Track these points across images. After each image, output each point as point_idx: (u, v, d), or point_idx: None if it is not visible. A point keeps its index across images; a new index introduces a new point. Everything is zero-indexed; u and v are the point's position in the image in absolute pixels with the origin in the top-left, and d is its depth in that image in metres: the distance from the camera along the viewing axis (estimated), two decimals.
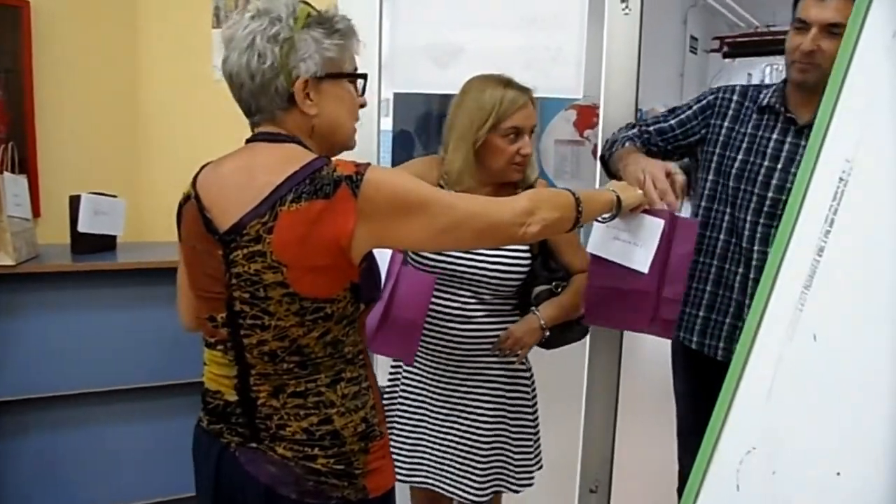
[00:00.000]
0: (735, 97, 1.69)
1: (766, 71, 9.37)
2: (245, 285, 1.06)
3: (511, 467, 1.72)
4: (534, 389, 1.78)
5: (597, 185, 1.89)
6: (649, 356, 3.21)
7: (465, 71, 2.09)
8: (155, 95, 2.39)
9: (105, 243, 1.99)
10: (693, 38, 7.80)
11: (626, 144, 1.68)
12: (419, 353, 1.67)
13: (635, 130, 1.74)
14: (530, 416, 1.76)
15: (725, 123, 1.69)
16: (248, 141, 1.14)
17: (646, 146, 1.71)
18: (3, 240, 1.69)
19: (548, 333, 1.65)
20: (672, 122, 1.75)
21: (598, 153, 1.85)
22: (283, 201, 1.02)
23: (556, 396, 2.15)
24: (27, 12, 2.08)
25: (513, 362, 1.70)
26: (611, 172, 1.68)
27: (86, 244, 1.93)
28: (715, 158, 1.69)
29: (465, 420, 1.69)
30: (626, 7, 1.93)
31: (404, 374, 1.75)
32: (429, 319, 1.60)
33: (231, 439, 1.13)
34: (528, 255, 1.64)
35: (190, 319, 1.27)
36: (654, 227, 1.37)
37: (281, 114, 1.10)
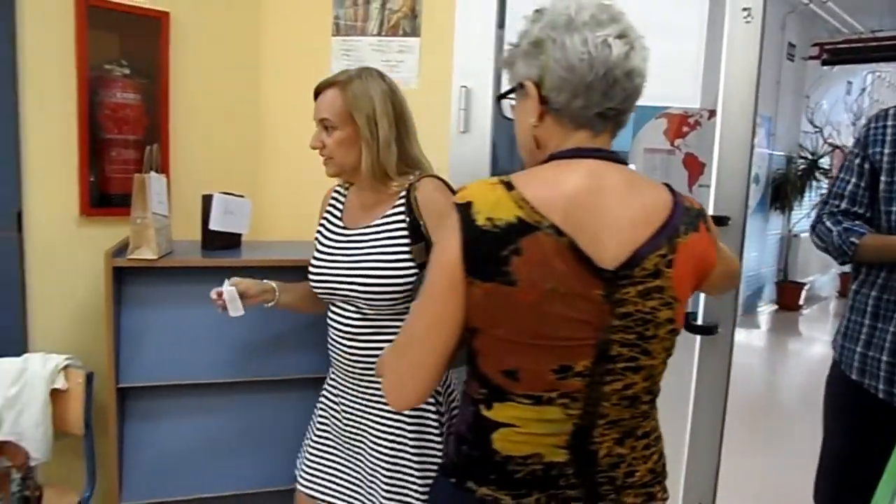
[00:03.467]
0: (889, 122, 1.66)
1: (868, 79, 8.92)
2: (634, 325, 0.95)
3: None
4: (449, 407, 1.56)
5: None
6: (744, 369, 3.12)
7: None
8: (276, 101, 2.51)
9: (232, 241, 2.10)
10: (791, 45, 7.51)
11: (853, 235, 1.70)
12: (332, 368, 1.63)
13: (838, 216, 1.77)
14: (436, 442, 1.51)
15: (886, 150, 1.66)
16: (570, 156, 0.99)
17: (860, 218, 1.73)
18: (148, 236, 1.81)
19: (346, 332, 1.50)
20: (853, 181, 1.76)
21: (814, 238, 1.87)
22: (678, 233, 0.96)
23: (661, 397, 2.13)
24: (166, 22, 2.24)
25: None
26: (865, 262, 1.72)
27: (215, 241, 2.05)
28: (882, 187, 1.67)
29: (366, 443, 1.55)
30: (749, 15, 1.91)
31: (326, 384, 1.68)
32: (326, 336, 1.59)
33: None
34: (410, 267, 1.44)
35: (427, 389, 1.02)
36: None
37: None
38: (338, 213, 1.61)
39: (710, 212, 1.83)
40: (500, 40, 2.19)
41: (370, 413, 1.54)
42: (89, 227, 2.14)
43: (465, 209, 0.94)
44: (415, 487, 1.48)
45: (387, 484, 1.49)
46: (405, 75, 2.36)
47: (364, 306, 1.49)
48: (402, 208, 1.46)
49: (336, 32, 2.40)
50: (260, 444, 2.06)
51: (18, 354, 2.00)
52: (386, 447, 1.50)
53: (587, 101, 0.96)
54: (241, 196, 2.10)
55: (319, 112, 1.52)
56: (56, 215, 2.11)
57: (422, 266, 1.42)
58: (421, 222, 1.44)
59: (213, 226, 2.00)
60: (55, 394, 1.97)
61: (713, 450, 1.90)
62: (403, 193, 1.48)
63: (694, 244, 0.97)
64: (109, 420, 1.93)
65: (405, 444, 1.49)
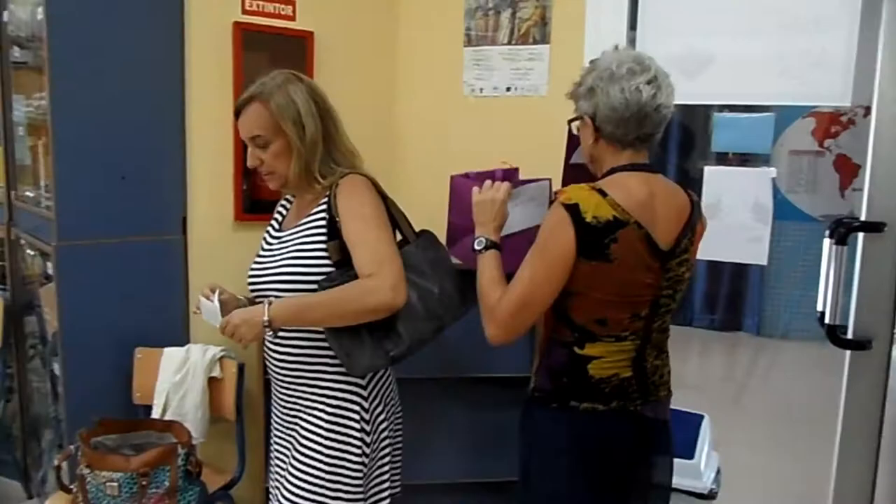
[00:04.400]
0: None
1: None
2: (672, 284, 1.43)
3: None
4: (373, 423, 1.51)
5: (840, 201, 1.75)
6: None
7: (713, 80, 2.03)
8: (410, 112, 2.62)
9: None
10: None
11: None
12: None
13: None
14: (354, 461, 1.47)
15: None
16: (627, 169, 1.40)
17: None
18: None
19: (269, 333, 1.40)
20: None
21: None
22: (695, 222, 1.45)
23: (804, 421, 1.98)
24: (311, 41, 2.40)
25: (335, 388, 1.47)
26: None
27: None
28: None
29: (290, 446, 1.52)
30: None
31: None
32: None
33: (630, 405, 1.43)
34: (325, 265, 1.43)
35: (524, 329, 1.42)
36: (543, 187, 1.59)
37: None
38: (279, 219, 1.62)
39: (863, 216, 1.71)
40: (632, 42, 2.17)
41: (295, 423, 1.52)
42: (241, 231, 2.34)
43: (573, 209, 1.32)
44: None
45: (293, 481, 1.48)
46: (535, 83, 2.39)
47: None
48: (324, 206, 1.46)
49: (468, 43, 2.47)
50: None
51: (182, 344, 2.23)
52: (302, 457, 1.48)
53: (626, 130, 1.38)
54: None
55: (248, 130, 1.46)
56: (214, 220, 2.32)
57: (338, 264, 1.42)
58: (337, 220, 1.42)
59: None
60: (212, 381, 2.17)
61: (864, 485, 1.74)
62: (328, 193, 1.47)
63: (701, 228, 1.50)
64: (257, 407, 2.10)
65: (321, 461, 1.47)
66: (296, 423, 1.52)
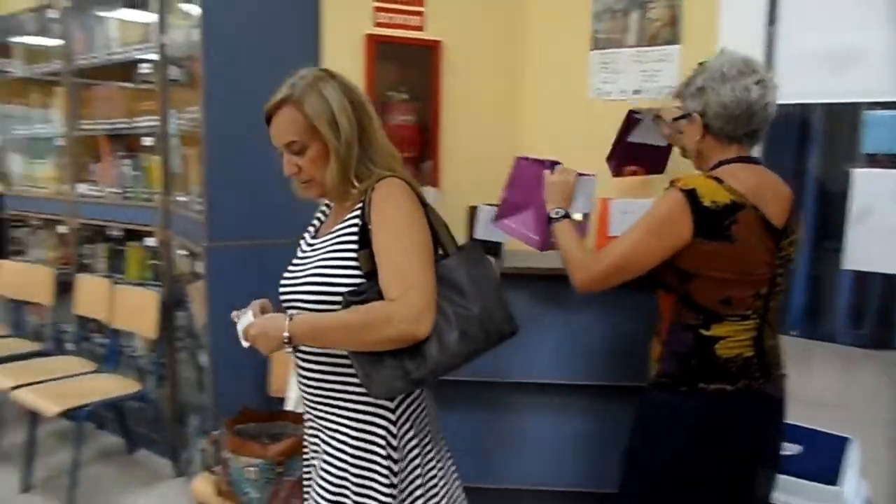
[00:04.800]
0: None
1: None
2: (784, 262, 1.52)
3: None
4: (402, 451, 1.34)
5: None
6: None
7: (863, 76, 1.90)
8: (535, 116, 2.63)
9: (493, 250, 2.24)
10: None
11: None
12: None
13: None
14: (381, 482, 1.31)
15: None
16: (736, 161, 1.50)
17: None
18: None
19: (289, 349, 1.32)
20: None
21: None
22: (796, 205, 1.55)
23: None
24: (439, 50, 2.47)
25: (360, 410, 1.32)
26: None
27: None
28: None
29: (316, 463, 1.39)
30: None
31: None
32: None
33: (754, 383, 1.50)
34: (354, 275, 1.29)
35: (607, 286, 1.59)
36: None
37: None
38: (317, 224, 1.52)
39: None
40: (770, 37, 2.06)
41: (318, 443, 1.41)
42: None
43: (691, 194, 1.43)
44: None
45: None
46: (663, 84, 2.32)
47: None
48: (358, 212, 1.32)
49: (594, 46, 2.44)
50: (563, 446, 2.16)
51: None
52: (330, 475, 1.35)
53: (735, 126, 1.49)
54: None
55: (282, 137, 1.35)
56: None
57: (368, 275, 1.28)
58: (369, 227, 1.29)
59: (477, 235, 2.15)
60: None
61: None
62: (363, 198, 1.33)
63: (799, 211, 1.59)
64: None
65: (347, 478, 1.34)
66: (319, 443, 1.41)
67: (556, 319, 2.07)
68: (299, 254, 1.46)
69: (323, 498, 1.34)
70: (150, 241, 2.97)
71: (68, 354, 3.29)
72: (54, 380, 2.81)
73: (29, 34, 3.58)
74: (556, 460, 2.18)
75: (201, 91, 2.27)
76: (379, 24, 2.42)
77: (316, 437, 1.42)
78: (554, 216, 1.69)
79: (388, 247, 1.26)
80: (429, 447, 1.42)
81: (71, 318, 3.27)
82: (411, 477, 1.37)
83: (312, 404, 1.41)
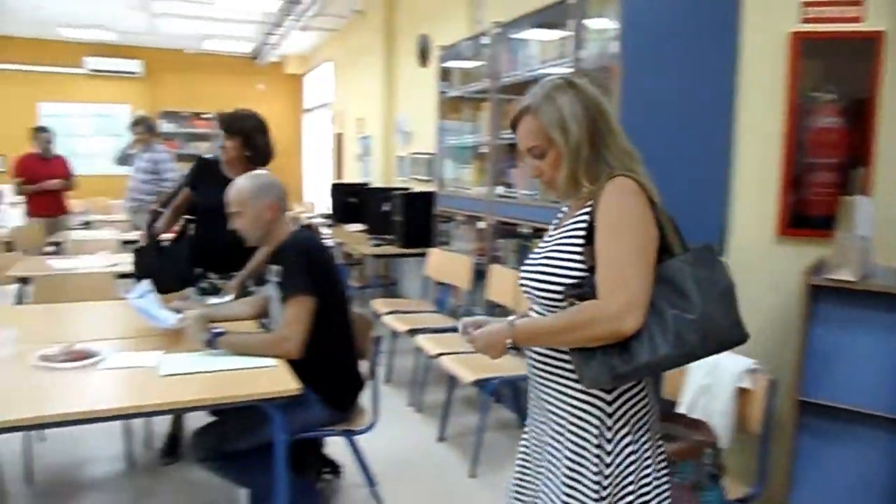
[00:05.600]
0: None
1: None
2: None
3: None
4: (615, 444, 1.40)
5: None
6: None
7: None
8: None
9: None
10: None
11: None
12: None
13: None
14: (591, 475, 1.39)
15: None
16: None
17: None
18: (850, 257, 1.83)
19: (513, 351, 1.48)
20: None
21: None
22: None
23: None
24: (880, 42, 2.19)
25: (576, 392, 1.42)
26: None
27: None
28: None
29: (540, 455, 1.51)
30: None
31: None
32: None
33: None
34: (578, 269, 1.39)
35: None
36: None
37: None
38: (560, 217, 1.59)
39: None
40: None
41: (543, 425, 1.51)
42: (784, 245, 2.29)
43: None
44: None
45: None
46: None
47: (539, 308, 1.48)
48: (588, 208, 1.42)
49: None
50: None
51: None
52: (568, 451, 1.44)
53: None
54: None
55: (524, 142, 1.49)
56: (755, 232, 2.33)
57: (592, 269, 1.36)
58: (595, 224, 1.38)
59: None
60: (740, 392, 2.19)
61: None
62: (594, 196, 1.42)
63: None
64: (786, 428, 2.03)
65: (587, 455, 1.42)
66: (544, 425, 1.52)
67: None
68: (540, 244, 1.59)
69: (558, 469, 1.46)
70: None
71: None
72: (468, 353, 3.29)
73: (465, 59, 4.22)
74: None
75: (616, 100, 2.41)
76: (807, 20, 2.25)
77: (541, 419, 1.54)
78: None
79: (607, 244, 1.35)
80: (646, 445, 1.46)
81: (482, 302, 3.77)
82: (625, 472, 1.43)
83: (537, 385, 1.53)
